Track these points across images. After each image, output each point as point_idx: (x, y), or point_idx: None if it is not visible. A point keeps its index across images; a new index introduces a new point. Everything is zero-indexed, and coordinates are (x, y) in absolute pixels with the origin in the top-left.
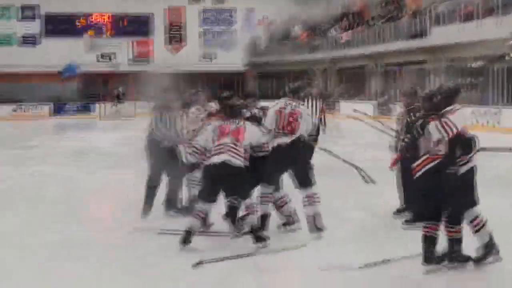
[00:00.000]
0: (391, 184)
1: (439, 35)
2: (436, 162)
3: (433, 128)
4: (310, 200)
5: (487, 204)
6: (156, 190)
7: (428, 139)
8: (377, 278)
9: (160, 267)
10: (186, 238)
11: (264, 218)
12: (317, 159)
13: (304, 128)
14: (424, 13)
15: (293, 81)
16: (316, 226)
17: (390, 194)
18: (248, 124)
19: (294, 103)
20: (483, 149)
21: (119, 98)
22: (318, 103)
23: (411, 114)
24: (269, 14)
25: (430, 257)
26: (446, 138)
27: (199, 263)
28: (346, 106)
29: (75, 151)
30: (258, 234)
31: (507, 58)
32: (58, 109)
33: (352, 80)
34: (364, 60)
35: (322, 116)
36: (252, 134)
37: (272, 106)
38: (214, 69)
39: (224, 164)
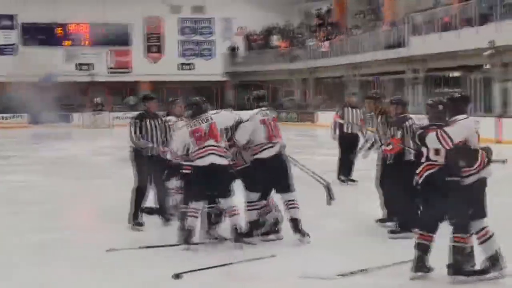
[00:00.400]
0: (368, 192)
1: (417, 45)
2: (435, 169)
3: (430, 138)
4: (294, 204)
5: None
6: (144, 198)
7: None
8: (354, 287)
9: (139, 277)
10: (188, 237)
11: (252, 225)
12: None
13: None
14: (402, 23)
15: (258, 90)
16: (300, 230)
17: (368, 203)
18: (214, 113)
19: (268, 111)
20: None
21: (98, 108)
22: None
23: (381, 116)
24: (247, 23)
25: (418, 265)
26: (443, 149)
27: (178, 275)
28: (324, 116)
29: (52, 160)
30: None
31: (484, 68)
32: (36, 119)
33: (331, 90)
34: (342, 70)
35: None
36: (223, 119)
37: (251, 116)
38: (192, 79)
39: (212, 166)
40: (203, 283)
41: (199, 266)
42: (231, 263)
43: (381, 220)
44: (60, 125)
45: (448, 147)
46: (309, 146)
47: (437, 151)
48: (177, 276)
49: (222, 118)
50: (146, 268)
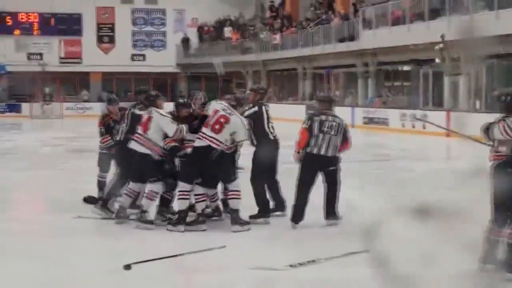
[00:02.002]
0: (319, 184)
1: (368, 39)
2: (499, 161)
3: (496, 130)
4: (233, 195)
5: None
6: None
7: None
8: (302, 278)
9: (87, 268)
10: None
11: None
12: None
13: None
14: (353, 17)
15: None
16: (241, 220)
17: (316, 193)
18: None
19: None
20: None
21: (46, 99)
22: None
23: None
24: (200, 15)
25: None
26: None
27: (128, 265)
28: (276, 109)
29: (0, 151)
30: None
31: (436, 61)
32: None
33: (283, 82)
34: (294, 63)
35: None
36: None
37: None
38: (144, 70)
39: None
40: (152, 274)
41: (148, 257)
42: (181, 254)
43: None
44: (10, 115)
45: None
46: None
47: (503, 143)
48: (127, 267)
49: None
50: (94, 259)
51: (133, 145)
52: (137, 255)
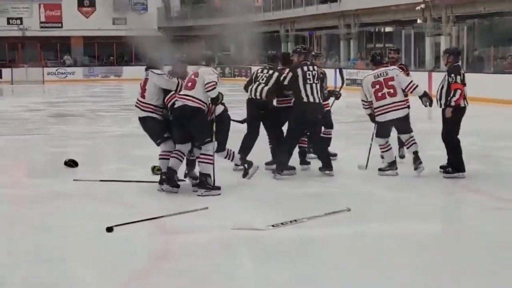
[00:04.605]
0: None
1: (351, 0)
2: None
3: None
4: (203, 158)
5: None
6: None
7: None
8: (284, 238)
9: (70, 231)
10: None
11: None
12: None
13: None
14: None
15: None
16: (209, 184)
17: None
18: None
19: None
20: None
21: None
22: None
23: None
24: None
25: None
26: None
27: (110, 227)
28: None
29: None
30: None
31: (418, 22)
32: None
33: (266, 45)
34: (277, 25)
35: None
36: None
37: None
38: (126, 34)
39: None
40: (135, 236)
41: (132, 219)
42: (163, 216)
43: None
44: None
45: None
46: (242, 101)
47: None
48: (109, 229)
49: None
50: (78, 222)
51: (136, 111)
52: (121, 217)
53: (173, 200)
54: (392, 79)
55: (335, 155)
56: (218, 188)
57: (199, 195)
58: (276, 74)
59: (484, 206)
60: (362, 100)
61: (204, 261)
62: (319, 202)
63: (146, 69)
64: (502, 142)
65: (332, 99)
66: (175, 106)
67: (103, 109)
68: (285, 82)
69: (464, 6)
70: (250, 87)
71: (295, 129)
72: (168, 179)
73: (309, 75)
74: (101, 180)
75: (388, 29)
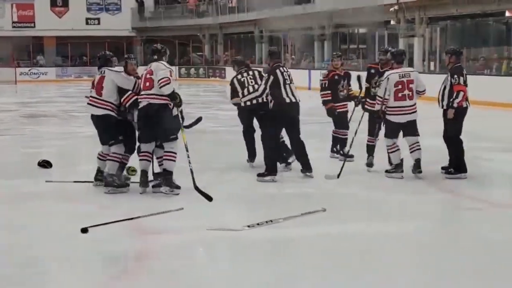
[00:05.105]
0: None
1: (324, 2)
2: None
3: None
4: (167, 156)
5: None
6: None
7: None
8: (260, 238)
9: (45, 232)
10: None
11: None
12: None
13: None
14: None
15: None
16: (173, 183)
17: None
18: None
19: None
20: None
21: None
22: None
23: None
24: None
25: None
26: None
27: (85, 228)
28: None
29: None
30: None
31: (392, 23)
32: None
33: (240, 46)
34: (251, 26)
35: None
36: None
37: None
38: (99, 34)
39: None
40: (110, 237)
41: (106, 220)
42: (138, 217)
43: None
44: None
45: None
46: (216, 101)
47: None
48: (84, 230)
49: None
50: (52, 223)
51: (89, 109)
52: (95, 218)
53: (148, 201)
54: (412, 81)
55: (351, 156)
56: (179, 187)
57: (164, 192)
58: (256, 72)
59: (460, 206)
60: (379, 96)
61: (182, 261)
62: (294, 202)
63: (100, 67)
64: (479, 143)
65: (352, 103)
66: (139, 107)
67: (76, 109)
68: (268, 85)
69: (437, 8)
70: (246, 95)
71: (275, 130)
72: (143, 183)
73: (285, 76)
74: (74, 181)
75: (362, 30)
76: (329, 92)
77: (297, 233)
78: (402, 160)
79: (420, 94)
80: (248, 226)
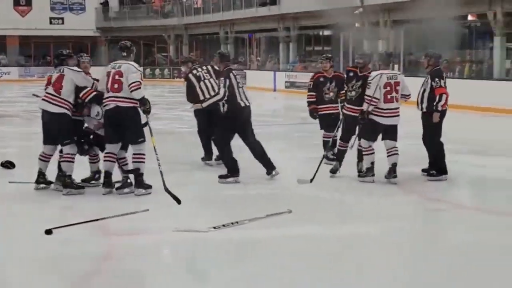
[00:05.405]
0: (236, 148)
1: (289, 3)
2: None
3: None
4: (135, 157)
5: None
6: None
7: None
8: (226, 239)
9: (8, 234)
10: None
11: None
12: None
13: None
14: None
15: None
16: (145, 183)
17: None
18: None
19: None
20: None
21: None
22: None
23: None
24: None
25: None
26: None
27: (49, 230)
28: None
29: None
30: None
31: (356, 25)
32: None
33: (205, 47)
34: (216, 27)
35: None
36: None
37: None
38: (63, 34)
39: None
40: (74, 238)
41: (70, 221)
42: (103, 218)
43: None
44: None
45: None
46: (181, 102)
47: None
48: (48, 231)
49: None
50: (16, 225)
51: (44, 105)
52: (59, 220)
53: (113, 202)
54: (399, 84)
55: (332, 159)
56: (151, 187)
57: (137, 195)
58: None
59: (421, 207)
60: (368, 95)
61: (148, 262)
62: (260, 204)
63: (57, 66)
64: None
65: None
66: (107, 108)
67: (40, 110)
68: (227, 88)
69: (400, 11)
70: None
71: (229, 133)
72: (107, 183)
73: (238, 79)
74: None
75: (326, 32)
76: (314, 93)
77: (263, 234)
78: (373, 164)
79: (405, 99)
80: (214, 228)
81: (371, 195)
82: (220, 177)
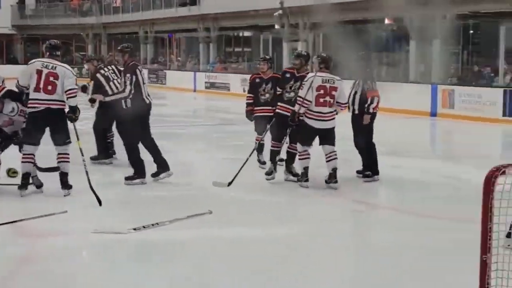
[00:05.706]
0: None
1: (209, 4)
2: None
3: None
4: (66, 158)
5: None
6: None
7: None
8: (146, 240)
9: None
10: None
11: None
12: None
13: None
14: None
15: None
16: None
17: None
18: None
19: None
20: None
21: None
22: None
23: None
24: None
25: None
26: None
27: None
28: None
29: None
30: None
31: (275, 28)
32: None
33: None
34: (136, 27)
35: None
36: None
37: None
38: None
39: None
40: None
41: None
42: (21, 220)
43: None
44: None
45: None
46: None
47: None
48: None
49: None
50: None
51: None
52: None
53: (31, 203)
54: (336, 89)
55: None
56: (71, 186)
57: (65, 195)
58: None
59: (346, 209)
60: (300, 96)
61: (66, 264)
62: (180, 205)
63: None
64: None
65: None
66: (35, 110)
67: None
68: (133, 86)
69: (319, 13)
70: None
71: (136, 130)
72: (25, 185)
73: (143, 75)
74: None
75: (246, 33)
76: (251, 95)
77: (184, 235)
78: (306, 169)
79: (341, 107)
80: (134, 229)
81: (296, 197)
82: (126, 178)
